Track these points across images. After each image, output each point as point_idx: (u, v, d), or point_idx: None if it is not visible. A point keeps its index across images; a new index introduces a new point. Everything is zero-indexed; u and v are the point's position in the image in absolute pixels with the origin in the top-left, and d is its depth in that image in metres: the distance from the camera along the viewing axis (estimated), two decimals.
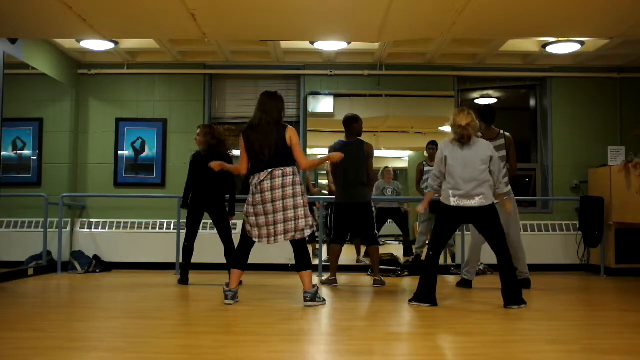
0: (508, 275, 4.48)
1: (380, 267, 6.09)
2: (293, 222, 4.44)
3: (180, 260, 6.08)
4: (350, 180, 5.80)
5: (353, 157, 5.74)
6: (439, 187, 4.70)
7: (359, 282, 6.23)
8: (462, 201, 4.50)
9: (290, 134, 4.54)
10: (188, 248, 5.90)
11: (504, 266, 4.50)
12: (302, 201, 4.47)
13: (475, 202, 4.48)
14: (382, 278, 5.91)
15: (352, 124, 5.93)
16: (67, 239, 7.35)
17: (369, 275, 6.64)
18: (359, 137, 5.95)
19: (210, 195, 5.83)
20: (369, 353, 3.16)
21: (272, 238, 4.49)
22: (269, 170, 4.46)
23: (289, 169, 4.48)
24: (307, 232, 4.49)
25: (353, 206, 5.83)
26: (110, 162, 7.61)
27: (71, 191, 7.43)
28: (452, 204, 4.52)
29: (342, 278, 6.45)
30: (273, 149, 4.47)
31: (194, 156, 5.98)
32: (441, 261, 6.81)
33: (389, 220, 8.30)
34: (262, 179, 4.46)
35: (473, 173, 4.50)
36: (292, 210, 4.43)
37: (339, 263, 6.04)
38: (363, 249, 7.38)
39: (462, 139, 4.56)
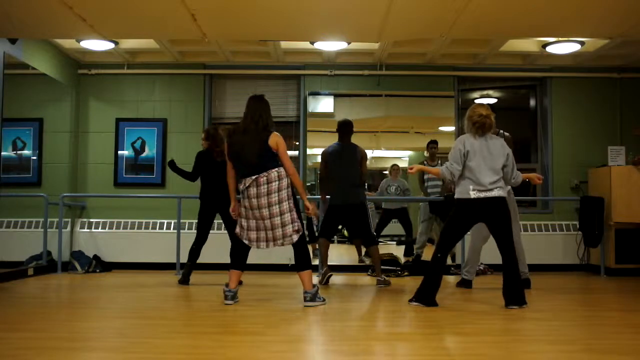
0: (512, 276, 4.46)
1: (381, 267, 6.09)
2: (280, 230, 4.45)
3: (185, 260, 6.04)
4: (346, 181, 5.87)
5: (349, 159, 5.88)
6: (452, 179, 4.63)
7: (359, 282, 6.23)
8: (482, 193, 4.49)
9: (276, 139, 4.50)
10: (195, 251, 5.89)
11: (508, 266, 4.49)
12: (287, 206, 4.46)
13: (494, 193, 4.49)
14: (386, 278, 5.91)
15: (349, 128, 6.02)
16: (67, 239, 7.35)
17: (369, 275, 6.64)
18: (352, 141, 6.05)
19: (221, 195, 5.80)
20: (369, 353, 3.17)
21: (263, 243, 4.53)
22: (254, 177, 4.44)
23: (273, 174, 4.45)
24: (295, 238, 4.49)
25: (348, 208, 5.87)
26: (110, 162, 7.61)
27: (71, 191, 7.43)
28: (472, 196, 4.49)
29: (343, 278, 6.46)
30: (256, 155, 4.45)
31: (201, 153, 6.00)
32: None
33: (393, 220, 8.24)
34: (247, 185, 4.47)
35: (493, 165, 4.52)
36: (279, 217, 4.43)
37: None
38: (363, 248, 7.37)
39: (484, 127, 4.55)
